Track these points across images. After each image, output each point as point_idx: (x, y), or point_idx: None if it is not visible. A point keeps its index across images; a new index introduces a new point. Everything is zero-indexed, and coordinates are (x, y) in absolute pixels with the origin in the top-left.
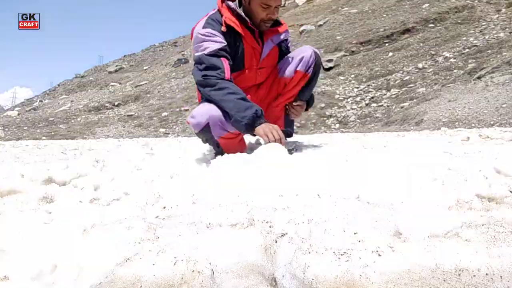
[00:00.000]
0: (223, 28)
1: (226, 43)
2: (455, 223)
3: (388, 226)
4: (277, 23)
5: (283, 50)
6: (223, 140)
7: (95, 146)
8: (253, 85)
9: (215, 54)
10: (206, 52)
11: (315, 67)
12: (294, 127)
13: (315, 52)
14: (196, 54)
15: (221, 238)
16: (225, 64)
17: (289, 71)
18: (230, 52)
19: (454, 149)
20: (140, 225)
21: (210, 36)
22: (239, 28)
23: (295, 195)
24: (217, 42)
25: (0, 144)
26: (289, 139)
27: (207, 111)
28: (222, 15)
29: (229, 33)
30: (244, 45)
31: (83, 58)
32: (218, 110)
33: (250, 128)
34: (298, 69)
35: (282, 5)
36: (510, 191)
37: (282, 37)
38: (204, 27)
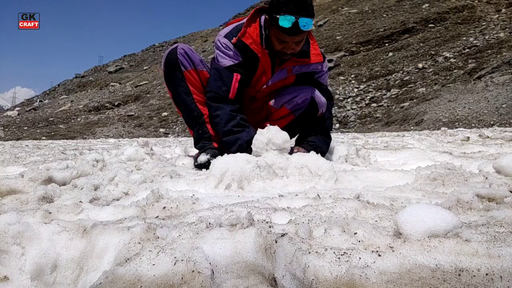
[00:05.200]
0: (234, 40)
1: (240, 60)
2: (455, 223)
3: (388, 226)
4: (306, 53)
5: (313, 80)
6: (189, 76)
7: (95, 146)
8: (251, 97)
9: (228, 67)
10: (221, 64)
11: (306, 112)
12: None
13: (313, 98)
14: (214, 59)
15: (221, 238)
16: (234, 80)
17: (277, 102)
18: (244, 67)
19: (454, 149)
20: (140, 225)
21: (226, 49)
22: (256, 49)
23: (295, 195)
24: (231, 58)
25: (0, 144)
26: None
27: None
28: (246, 28)
29: (245, 49)
30: (259, 65)
31: (83, 58)
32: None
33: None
34: (285, 105)
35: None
36: (510, 191)
37: (311, 68)
38: (225, 36)
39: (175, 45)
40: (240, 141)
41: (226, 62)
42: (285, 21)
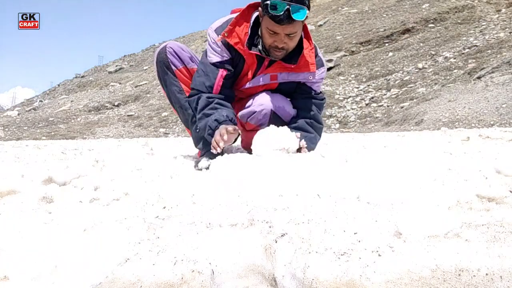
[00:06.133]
0: (218, 39)
1: (228, 57)
2: (455, 223)
3: (388, 226)
4: (295, 59)
5: (301, 88)
6: (180, 74)
7: (95, 146)
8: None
9: (215, 64)
10: (208, 59)
11: (272, 124)
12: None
13: (273, 112)
14: (205, 53)
15: (221, 238)
16: (219, 77)
17: (242, 116)
18: (231, 64)
19: (454, 149)
20: (140, 225)
21: (214, 45)
22: (242, 49)
23: (295, 195)
24: (219, 54)
25: (0, 144)
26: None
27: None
28: (234, 27)
29: (232, 48)
30: (245, 66)
31: (83, 58)
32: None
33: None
34: (248, 120)
35: (294, 32)
36: (510, 191)
37: (301, 78)
38: (216, 31)
39: (164, 44)
40: (209, 122)
41: (214, 58)
42: (276, 6)
